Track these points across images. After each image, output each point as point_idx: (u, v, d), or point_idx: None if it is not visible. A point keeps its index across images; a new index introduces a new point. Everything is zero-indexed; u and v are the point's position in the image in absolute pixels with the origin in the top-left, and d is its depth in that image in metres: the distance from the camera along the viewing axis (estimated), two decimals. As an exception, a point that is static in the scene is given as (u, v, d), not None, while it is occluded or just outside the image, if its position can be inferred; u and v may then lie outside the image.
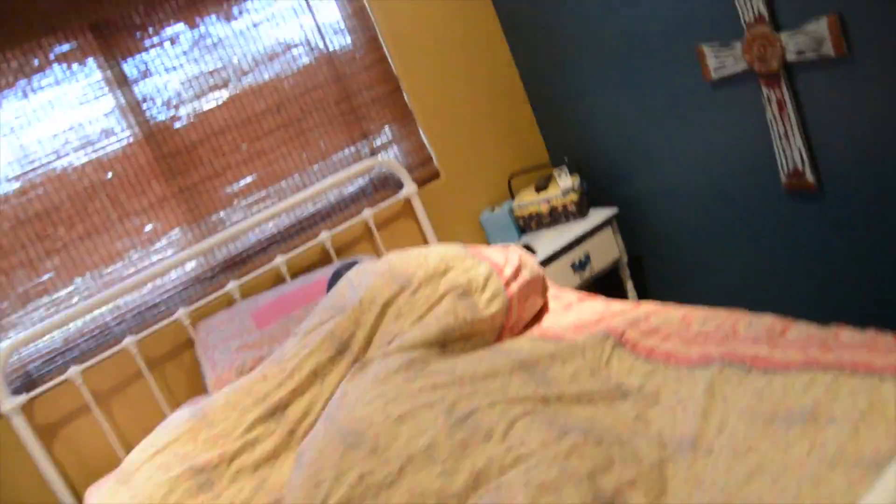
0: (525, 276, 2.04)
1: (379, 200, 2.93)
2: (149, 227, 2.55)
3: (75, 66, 2.43)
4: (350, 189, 2.92)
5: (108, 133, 2.48)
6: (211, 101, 2.64)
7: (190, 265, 2.63)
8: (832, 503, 0.97)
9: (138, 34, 2.54)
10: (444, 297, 1.90)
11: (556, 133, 3.24)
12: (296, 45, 2.80)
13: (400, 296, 1.93)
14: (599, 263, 2.95)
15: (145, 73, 2.54)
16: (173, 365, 2.58)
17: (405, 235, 3.00)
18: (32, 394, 2.32)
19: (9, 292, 2.37)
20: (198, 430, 1.85)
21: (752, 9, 2.13)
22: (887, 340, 1.27)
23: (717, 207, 2.64)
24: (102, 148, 2.47)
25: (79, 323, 2.45)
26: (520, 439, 1.31)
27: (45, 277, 2.41)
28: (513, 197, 3.19)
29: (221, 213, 2.67)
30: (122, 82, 2.50)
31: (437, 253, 2.07)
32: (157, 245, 2.57)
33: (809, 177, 2.23)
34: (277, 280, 2.75)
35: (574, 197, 2.95)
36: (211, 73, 2.65)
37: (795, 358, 1.32)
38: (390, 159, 2.88)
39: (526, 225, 3.08)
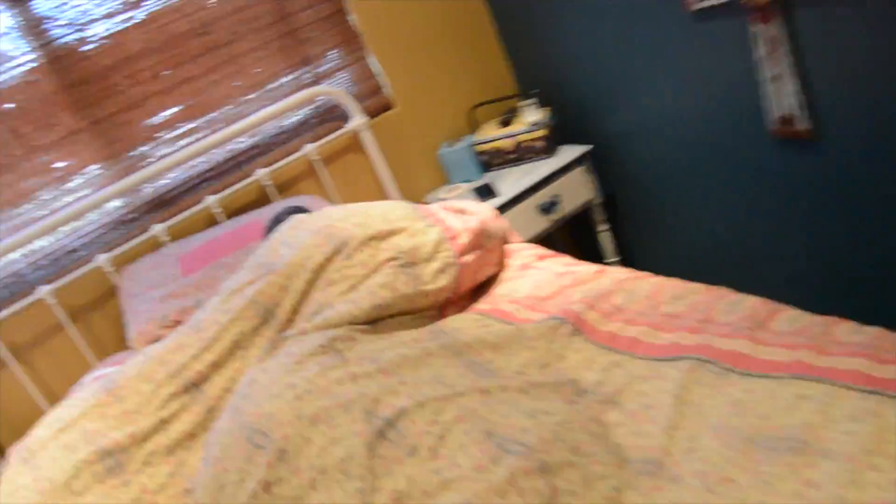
0: (484, 244, 1.84)
1: (324, 134, 2.69)
2: (60, 165, 2.31)
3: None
4: (290, 121, 2.67)
5: (4, 57, 2.20)
6: (125, 21, 2.34)
7: (111, 206, 2.42)
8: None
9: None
10: (382, 265, 1.70)
11: (525, 62, 2.97)
12: (225, -45, 2.49)
13: (334, 259, 1.73)
14: (570, 205, 2.74)
15: (45, -12, 2.24)
16: (99, 315, 2.41)
17: (355, 172, 2.78)
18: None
19: None
20: (107, 405, 1.67)
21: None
22: (895, 341, 1.12)
23: (698, 150, 2.43)
24: (-1, 75, 2.20)
25: (-15, 271, 2.25)
26: (450, 457, 1.13)
27: (-58, 222, 2.18)
28: (475, 131, 2.97)
29: (144, 148, 2.43)
30: (17, -2, 2.20)
31: (380, 211, 1.85)
32: (71, 184, 2.33)
33: (805, 123, 2.03)
34: (211, 222, 2.54)
35: (543, 132, 2.73)
36: (124, -14, 2.35)
37: (782, 358, 1.14)
38: (334, 88, 2.63)
39: (489, 162, 2.87)
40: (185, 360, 1.67)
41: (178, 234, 2.48)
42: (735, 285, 1.49)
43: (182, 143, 2.48)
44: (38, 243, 2.32)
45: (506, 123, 2.83)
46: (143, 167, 2.43)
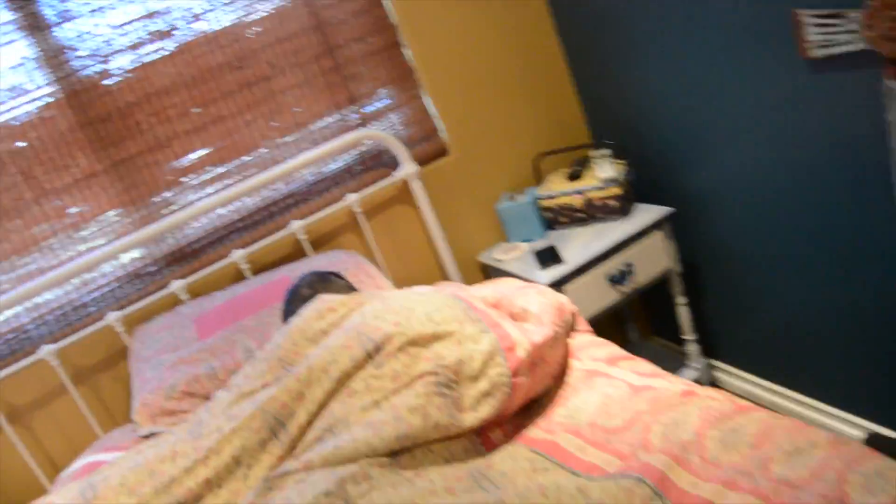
0: (546, 356, 1.56)
1: (369, 182, 2.46)
2: (74, 210, 2.14)
3: (-26, 4, 1.99)
4: (332, 168, 2.44)
5: (18, 91, 2.04)
6: (152, 53, 2.16)
7: (126, 257, 2.22)
8: None
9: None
10: (417, 380, 1.42)
11: (600, 107, 2.67)
12: (269, -19, 2.30)
13: (364, 366, 1.48)
14: (644, 275, 2.42)
15: (65, 15, 2.07)
16: (108, 377, 2.21)
17: (401, 226, 2.53)
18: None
19: None
20: None
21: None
22: None
23: (802, 221, 2.08)
24: (10, 110, 2.03)
25: (-14, 326, 2.09)
26: None
27: (-59, 271, 2.03)
28: (539, 183, 2.71)
29: (167, 194, 2.23)
30: (35, 26, 2.04)
31: (425, 309, 1.57)
32: (85, 232, 2.15)
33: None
34: (237, 278, 2.33)
35: (617, 190, 2.44)
36: (151, 15, 2.16)
37: None
38: (383, 133, 2.37)
39: (554, 219, 2.57)
40: (176, 472, 1.44)
41: (199, 291, 2.28)
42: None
43: (209, 189, 2.28)
44: (45, 296, 2.14)
45: (575, 177, 2.55)
46: (165, 215, 2.24)
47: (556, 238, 2.53)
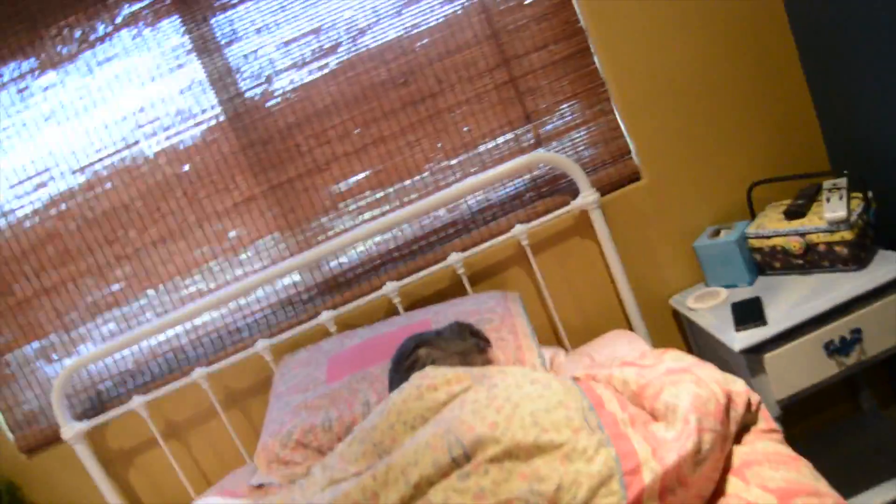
0: (687, 476, 1.25)
1: (541, 211, 2.23)
2: (233, 234, 2.23)
3: (147, 31, 2.08)
4: (499, 194, 2.26)
5: (184, 115, 2.14)
6: (315, 71, 2.13)
7: (280, 284, 2.25)
8: None
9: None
10: None
11: (843, 127, 2.16)
12: (439, -13, 2.15)
13: (447, 476, 1.31)
14: (876, 345, 1.91)
15: (233, 36, 2.11)
16: (258, 401, 2.28)
17: (578, 261, 2.27)
18: (94, 422, 2.17)
19: (77, 301, 2.21)
20: None
21: None
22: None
23: None
24: (177, 134, 2.13)
25: (152, 342, 2.24)
26: None
27: (116, 287, 2.21)
28: (753, 217, 2.33)
29: (324, 219, 2.22)
30: (204, 49, 2.10)
31: (532, 408, 1.33)
32: (243, 256, 2.22)
33: None
34: (390, 310, 2.26)
35: (847, 235, 2.00)
36: (317, 31, 2.12)
37: None
38: (560, 156, 2.12)
39: (765, 263, 2.14)
40: None
41: (349, 322, 2.23)
42: None
43: (367, 214, 2.22)
44: (203, 318, 2.24)
45: (795, 214, 2.13)
46: (321, 241, 2.23)
47: (765, 287, 2.13)
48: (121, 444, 2.26)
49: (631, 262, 2.28)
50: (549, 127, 2.22)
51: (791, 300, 1.98)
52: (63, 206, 2.15)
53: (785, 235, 2.06)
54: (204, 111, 2.11)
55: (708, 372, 1.47)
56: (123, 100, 2.10)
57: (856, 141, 2.14)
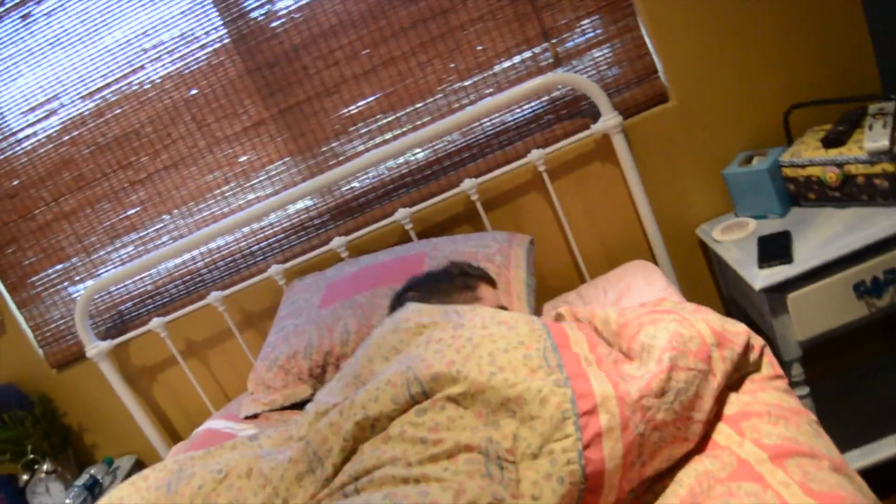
0: (663, 423, 1.20)
1: (560, 135, 2.14)
2: (243, 158, 2.21)
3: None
4: (515, 117, 2.17)
5: (187, 38, 2.10)
6: (320, -12, 2.07)
7: (293, 208, 2.26)
8: None
9: None
10: (460, 455, 1.20)
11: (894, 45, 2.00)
12: None
13: (405, 413, 1.31)
14: None
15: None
16: (273, 323, 2.30)
17: (598, 188, 2.20)
18: (117, 341, 2.29)
19: (96, 226, 2.28)
20: None
21: None
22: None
23: None
24: (182, 59, 2.11)
25: (169, 265, 2.31)
26: None
27: (132, 212, 2.26)
28: (790, 142, 2.17)
29: (334, 144, 2.18)
30: (204, -34, 2.06)
31: (495, 346, 1.32)
32: (255, 181, 2.22)
33: None
34: (402, 237, 2.24)
35: (890, 167, 1.82)
36: (320, -55, 2.05)
37: None
38: (579, 77, 2.02)
39: (799, 194, 2.02)
40: (250, 496, 1.48)
41: (361, 248, 2.24)
42: None
43: (378, 139, 2.18)
44: (217, 242, 2.28)
45: (835, 142, 1.97)
46: (332, 166, 2.21)
47: (798, 219, 2.00)
48: (143, 362, 2.38)
49: (656, 189, 2.18)
50: (569, 44, 2.10)
51: (823, 235, 1.87)
52: (75, 133, 2.19)
53: (821, 165, 1.93)
54: (208, 34, 2.09)
55: (700, 315, 1.41)
56: (126, 23, 2.10)
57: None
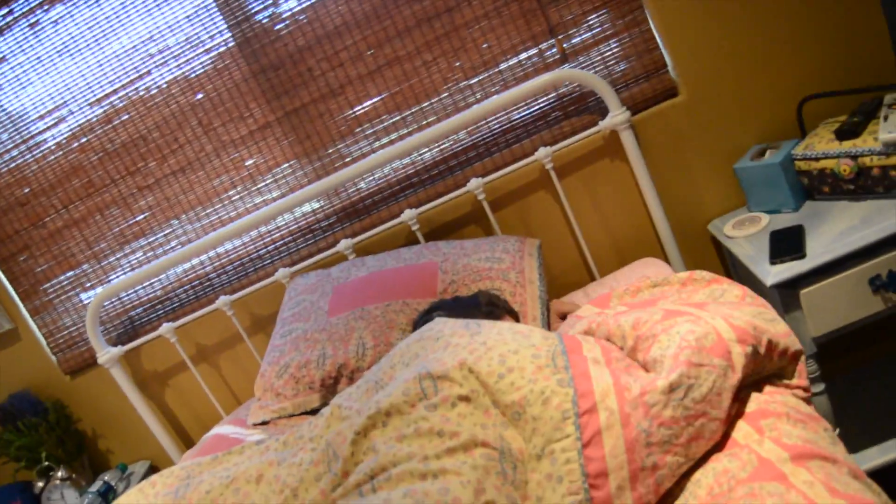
0: (688, 425, 1.18)
1: (568, 132, 2.13)
2: (250, 162, 2.22)
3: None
4: (524, 113, 2.16)
5: (192, 42, 2.13)
6: (323, -10, 2.08)
7: (299, 211, 2.27)
8: None
9: None
10: (476, 449, 1.21)
11: None
12: None
13: (414, 406, 1.31)
14: None
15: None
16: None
17: (608, 185, 2.18)
18: (128, 347, 2.31)
19: (105, 232, 2.30)
20: None
21: None
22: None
23: None
24: (188, 63, 2.13)
25: (178, 270, 2.33)
26: None
27: (140, 217, 2.28)
28: (803, 135, 2.13)
29: (340, 145, 2.19)
30: (207, -29, 2.08)
31: (507, 348, 1.34)
32: (261, 184, 2.24)
33: None
34: (409, 237, 2.24)
35: (906, 158, 1.82)
36: (322, -53, 2.06)
37: None
38: (586, 73, 2.01)
39: (812, 187, 1.99)
40: (257, 498, 1.49)
41: (367, 250, 2.24)
42: None
43: (384, 139, 2.18)
44: (225, 246, 2.30)
45: (849, 133, 1.93)
46: (338, 167, 2.22)
47: (812, 213, 1.97)
48: (155, 367, 2.41)
49: (666, 184, 2.17)
50: (575, 40, 2.09)
51: (837, 229, 1.84)
52: (84, 139, 2.23)
53: (835, 157, 1.90)
54: (213, 38, 2.11)
55: (723, 310, 1.38)
56: (132, 29, 2.13)
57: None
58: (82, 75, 2.18)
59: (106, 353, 2.28)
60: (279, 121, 2.18)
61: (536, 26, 2.09)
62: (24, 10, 2.14)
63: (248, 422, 1.95)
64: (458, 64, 2.12)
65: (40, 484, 2.36)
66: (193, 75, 2.14)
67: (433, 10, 2.08)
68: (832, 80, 2.08)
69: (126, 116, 2.19)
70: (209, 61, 2.13)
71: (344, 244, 2.18)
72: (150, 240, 2.29)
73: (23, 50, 2.19)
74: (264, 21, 2.10)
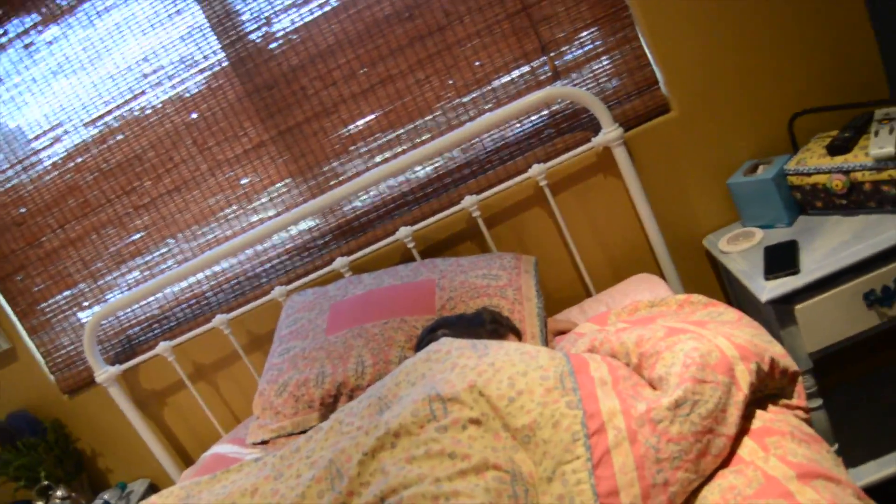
0: (695, 439, 1.20)
1: (561, 149, 2.14)
2: (245, 181, 2.23)
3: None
4: (517, 131, 2.17)
5: (187, 62, 2.14)
6: (315, 9, 2.07)
7: (295, 229, 2.28)
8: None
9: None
10: (488, 471, 1.22)
11: None
12: None
13: (423, 428, 1.32)
14: None
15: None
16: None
17: (601, 201, 2.18)
18: (125, 366, 2.32)
19: (102, 252, 2.31)
20: None
21: None
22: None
23: None
24: (182, 83, 2.15)
25: (174, 289, 2.34)
26: None
27: (136, 236, 2.29)
28: (795, 150, 2.14)
29: (335, 164, 2.20)
30: (200, -8, 2.09)
31: (515, 370, 1.35)
32: (257, 203, 2.25)
33: None
34: (405, 255, 2.25)
35: (898, 172, 1.83)
36: (314, -34, 2.07)
37: None
38: (578, 90, 2.02)
39: (805, 202, 2.00)
40: None
41: (363, 268, 2.25)
42: None
43: (378, 158, 2.20)
44: (222, 265, 2.31)
45: (840, 149, 1.94)
46: (333, 186, 2.23)
47: (805, 228, 1.98)
48: (153, 386, 2.42)
49: (660, 200, 2.17)
50: (567, 57, 2.10)
51: (830, 244, 1.84)
52: (79, 160, 2.24)
53: (827, 173, 1.91)
54: (206, 57, 2.13)
55: (724, 329, 1.39)
56: (126, 49, 2.14)
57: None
58: (77, 95, 2.20)
59: (104, 372, 2.29)
60: (273, 140, 2.19)
61: (528, 44, 2.10)
62: (19, 30, 2.16)
63: (247, 441, 1.96)
64: (450, 82, 2.13)
65: (40, 503, 2.37)
66: (188, 95, 2.16)
67: (425, 28, 2.10)
68: (823, 96, 2.09)
69: (121, 136, 2.21)
70: (203, 81, 2.15)
71: (340, 262, 2.20)
72: (147, 259, 2.31)
73: (17, 70, 2.21)
74: (258, 41, 2.11)
